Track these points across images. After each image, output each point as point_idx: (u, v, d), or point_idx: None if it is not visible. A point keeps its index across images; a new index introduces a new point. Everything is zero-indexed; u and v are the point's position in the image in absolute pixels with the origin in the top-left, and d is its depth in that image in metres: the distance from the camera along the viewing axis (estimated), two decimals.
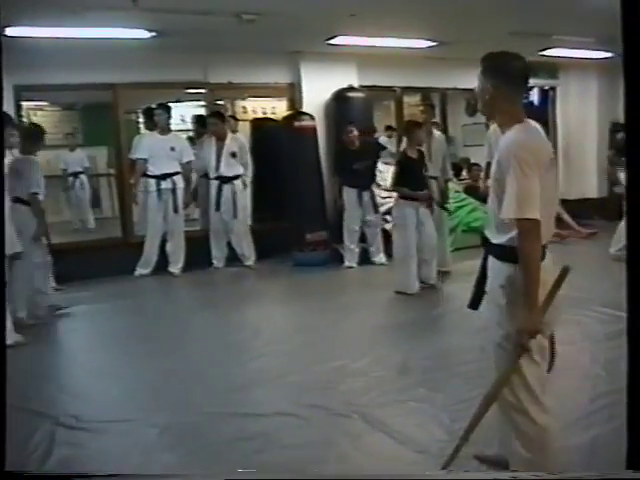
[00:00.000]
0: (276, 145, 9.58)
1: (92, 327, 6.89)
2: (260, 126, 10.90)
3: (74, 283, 7.90)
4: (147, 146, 8.70)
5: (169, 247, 8.79)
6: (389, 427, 4.03)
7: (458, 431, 3.59)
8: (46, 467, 3.63)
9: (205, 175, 9.22)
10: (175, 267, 8.80)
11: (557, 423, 3.18)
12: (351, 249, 9.08)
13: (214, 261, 9.06)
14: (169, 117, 8.87)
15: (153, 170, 8.66)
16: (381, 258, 9.10)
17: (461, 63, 10.21)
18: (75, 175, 11.73)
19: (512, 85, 2.96)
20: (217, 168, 8.91)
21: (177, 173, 8.77)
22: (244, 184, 9.09)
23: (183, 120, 11.60)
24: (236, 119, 10.90)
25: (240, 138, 9.35)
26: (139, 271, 8.64)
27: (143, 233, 8.72)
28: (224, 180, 8.90)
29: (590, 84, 12.45)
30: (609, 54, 10.46)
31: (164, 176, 8.65)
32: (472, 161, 11.76)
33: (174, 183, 8.74)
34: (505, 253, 2.93)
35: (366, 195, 8.99)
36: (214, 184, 8.96)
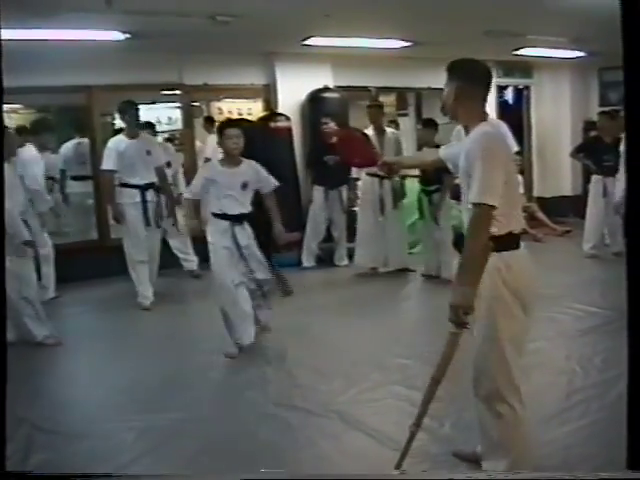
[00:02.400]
0: (251, 146, 9.53)
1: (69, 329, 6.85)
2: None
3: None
4: (117, 154, 7.24)
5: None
6: (367, 426, 4.07)
7: (437, 429, 3.64)
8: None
9: None
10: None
11: (532, 416, 3.24)
12: (311, 249, 9.11)
13: None
14: (137, 115, 7.52)
15: (131, 180, 7.30)
16: (344, 261, 9.17)
17: (436, 63, 10.14)
18: (51, 178, 11.64)
19: (475, 87, 3.16)
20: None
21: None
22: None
23: (159, 122, 11.56)
24: (212, 120, 10.87)
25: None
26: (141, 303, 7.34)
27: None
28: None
29: (564, 83, 12.55)
30: (582, 53, 10.58)
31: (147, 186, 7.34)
32: None
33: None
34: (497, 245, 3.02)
35: (334, 194, 9.02)
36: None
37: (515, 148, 3.27)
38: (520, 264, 3.08)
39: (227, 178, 5.57)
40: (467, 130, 3.15)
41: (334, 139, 8.64)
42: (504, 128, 3.25)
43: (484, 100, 3.19)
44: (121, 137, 7.39)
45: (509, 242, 3.05)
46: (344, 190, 9.03)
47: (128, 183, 7.28)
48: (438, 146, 7.87)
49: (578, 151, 9.64)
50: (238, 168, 5.64)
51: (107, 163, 7.26)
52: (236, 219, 5.61)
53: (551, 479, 3.00)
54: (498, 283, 3.00)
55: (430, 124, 8.23)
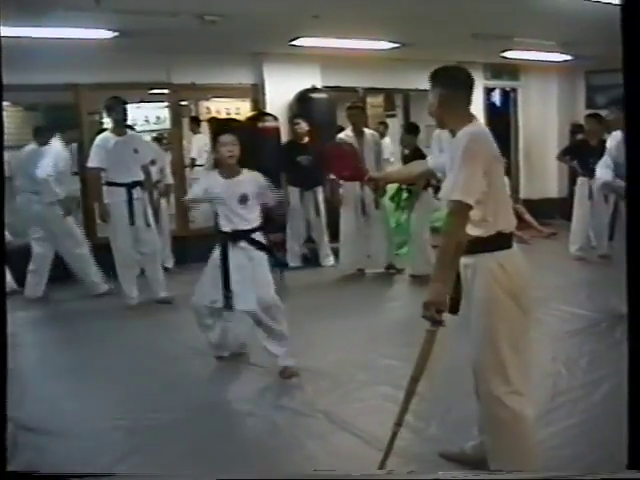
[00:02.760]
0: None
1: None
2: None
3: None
4: (105, 152, 7.17)
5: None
6: (354, 426, 4.07)
7: (423, 430, 3.65)
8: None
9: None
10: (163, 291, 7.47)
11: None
12: (294, 250, 9.06)
13: None
14: (125, 113, 7.43)
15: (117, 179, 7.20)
16: (329, 260, 9.16)
17: (424, 64, 10.10)
18: None
19: (458, 93, 3.18)
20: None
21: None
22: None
23: (147, 121, 11.54)
24: (198, 120, 10.87)
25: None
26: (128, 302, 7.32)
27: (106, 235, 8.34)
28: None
29: (551, 86, 12.63)
30: (569, 57, 10.63)
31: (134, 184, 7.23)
32: None
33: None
34: (478, 244, 3.03)
35: (309, 195, 9.00)
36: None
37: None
38: (514, 264, 3.08)
39: (224, 189, 5.07)
40: (453, 134, 3.15)
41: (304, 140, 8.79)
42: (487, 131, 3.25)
43: (468, 104, 3.21)
44: (108, 134, 7.30)
45: (499, 242, 3.06)
46: (319, 191, 8.98)
47: (115, 181, 7.19)
48: (419, 150, 8.02)
49: (565, 154, 9.70)
50: (236, 178, 5.14)
51: (94, 160, 7.19)
52: (232, 237, 5.05)
53: (551, 479, 3.02)
54: (492, 284, 3.01)
55: (412, 129, 8.30)
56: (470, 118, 3.16)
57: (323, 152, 5.18)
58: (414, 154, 7.79)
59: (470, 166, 2.93)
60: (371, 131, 8.86)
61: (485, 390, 3.10)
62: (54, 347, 6.26)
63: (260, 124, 9.33)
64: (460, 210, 2.92)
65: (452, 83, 3.19)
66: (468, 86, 3.23)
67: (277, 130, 9.45)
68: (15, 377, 4.43)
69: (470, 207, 2.90)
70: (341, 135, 8.37)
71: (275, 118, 9.43)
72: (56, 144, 7.69)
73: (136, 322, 6.79)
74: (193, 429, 4.19)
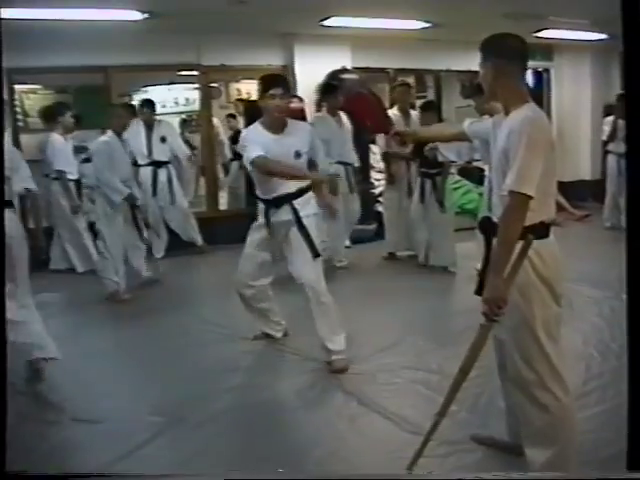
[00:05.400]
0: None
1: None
2: (252, 108, 10.84)
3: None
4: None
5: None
6: (384, 408, 4.07)
7: (452, 412, 3.62)
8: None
9: None
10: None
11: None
12: None
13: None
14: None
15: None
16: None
17: (455, 45, 10.23)
18: None
19: (512, 63, 3.02)
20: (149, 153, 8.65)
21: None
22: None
23: (177, 103, 11.55)
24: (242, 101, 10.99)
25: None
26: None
27: None
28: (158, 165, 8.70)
29: (584, 66, 12.43)
30: (603, 36, 10.45)
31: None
32: None
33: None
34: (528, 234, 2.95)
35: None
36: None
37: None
38: (550, 253, 3.02)
39: (277, 146, 4.65)
40: (506, 111, 3.04)
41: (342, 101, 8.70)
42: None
43: (523, 76, 3.09)
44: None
45: (540, 231, 2.97)
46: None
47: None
48: None
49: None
50: (287, 131, 4.76)
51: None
52: (284, 201, 4.79)
53: (553, 479, 3.00)
54: (529, 271, 2.95)
55: (429, 107, 8.11)
56: (526, 97, 3.03)
57: (347, 100, 4.86)
58: None
59: (531, 156, 2.83)
60: (415, 112, 8.73)
61: (529, 378, 3.03)
62: None
63: None
64: (521, 202, 2.83)
65: (504, 52, 3.03)
66: (523, 56, 3.08)
67: (302, 111, 9.42)
68: None
69: (531, 198, 2.82)
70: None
71: (301, 99, 9.40)
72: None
73: None
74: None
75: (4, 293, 2.71)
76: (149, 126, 8.68)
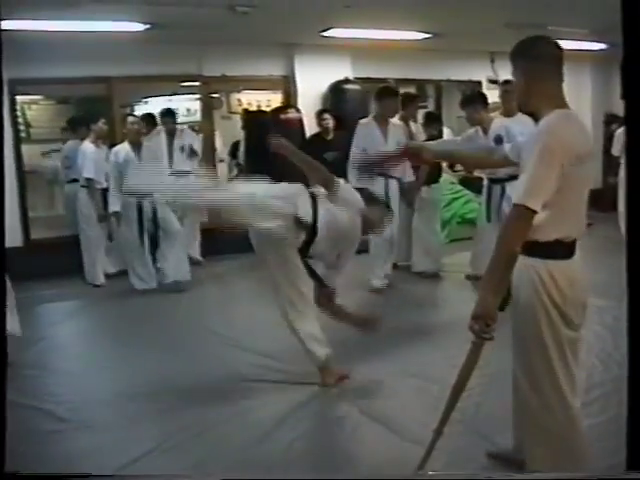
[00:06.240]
0: (263, 137, 9.48)
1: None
2: (252, 119, 10.84)
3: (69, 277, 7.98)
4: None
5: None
6: (386, 418, 4.06)
7: (454, 422, 3.60)
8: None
9: None
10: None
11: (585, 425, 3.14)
12: None
13: None
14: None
15: None
16: None
17: (456, 55, 10.27)
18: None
19: (544, 67, 2.87)
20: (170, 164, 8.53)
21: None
22: None
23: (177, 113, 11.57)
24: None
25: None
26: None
27: None
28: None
29: (584, 75, 12.44)
30: (603, 46, 10.47)
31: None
32: None
33: None
34: (532, 248, 2.83)
35: None
36: None
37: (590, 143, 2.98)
38: (566, 275, 2.85)
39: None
40: (536, 119, 2.91)
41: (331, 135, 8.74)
42: (581, 122, 2.91)
43: (559, 81, 2.89)
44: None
45: (555, 250, 2.82)
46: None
47: None
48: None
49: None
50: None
51: None
52: None
53: (553, 479, 2.98)
54: (541, 292, 2.82)
55: (432, 118, 8.08)
56: (561, 102, 2.86)
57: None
58: None
59: (544, 167, 2.66)
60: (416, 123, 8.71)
61: (535, 397, 2.95)
62: None
63: (283, 115, 9.36)
64: (523, 215, 2.67)
65: (535, 55, 2.88)
66: (555, 59, 2.90)
67: (300, 121, 9.45)
68: None
69: (535, 213, 2.65)
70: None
71: (298, 110, 9.43)
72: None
73: None
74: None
75: (4, 293, 2.71)
76: (171, 135, 8.70)
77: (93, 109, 9.26)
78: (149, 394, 4.61)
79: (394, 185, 7.25)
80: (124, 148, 7.43)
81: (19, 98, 9.05)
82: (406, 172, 7.32)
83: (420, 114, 8.93)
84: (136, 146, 7.34)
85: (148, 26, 7.50)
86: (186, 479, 3.51)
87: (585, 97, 12.50)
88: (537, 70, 2.86)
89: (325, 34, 8.70)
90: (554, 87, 2.88)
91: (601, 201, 9.56)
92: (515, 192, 2.75)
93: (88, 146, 8.00)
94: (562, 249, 2.86)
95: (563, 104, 2.87)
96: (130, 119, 7.82)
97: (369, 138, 7.09)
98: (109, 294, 7.68)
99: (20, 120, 9.33)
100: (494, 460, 3.50)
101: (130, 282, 7.68)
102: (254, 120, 10.28)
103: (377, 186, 6.66)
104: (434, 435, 3.09)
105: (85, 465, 3.62)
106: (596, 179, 12.09)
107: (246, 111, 11.12)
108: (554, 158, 2.68)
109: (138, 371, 5.06)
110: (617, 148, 9.69)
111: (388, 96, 7.31)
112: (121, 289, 7.74)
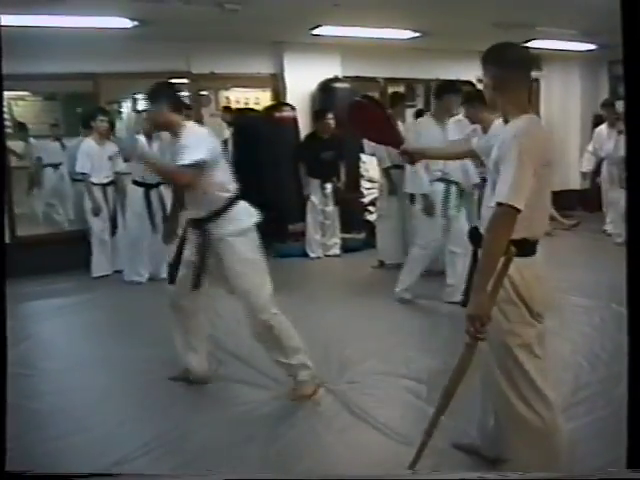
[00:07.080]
0: (256, 135, 9.47)
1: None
2: (241, 117, 10.81)
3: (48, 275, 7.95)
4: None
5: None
6: (374, 419, 4.05)
7: (443, 423, 3.60)
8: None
9: None
10: None
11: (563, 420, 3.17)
12: (316, 240, 9.05)
13: None
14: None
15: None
16: (336, 250, 9.18)
17: (445, 54, 10.28)
18: (55, 166, 11.56)
19: (513, 74, 2.95)
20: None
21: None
22: None
23: None
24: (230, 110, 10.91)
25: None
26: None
27: None
28: None
29: (573, 76, 12.50)
30: (592, 46, 10.51)
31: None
32: None
33: None
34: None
35: (328, 187, 8.96)
36: None
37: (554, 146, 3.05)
38: (533, 272, 2.94)
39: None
40: (505, 121, 2.98)
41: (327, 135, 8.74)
42: (544, 127, 3.04)
43: (525, 87, 2.99)
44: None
45: (523, 249, 2.88)
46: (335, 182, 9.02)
47: None
48: None
49: None
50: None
51: None
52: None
53: (552, 479, 2.98)
54: (509, 289, 2.88)
55: (421, 116, 8.09)
56: (525, 107, 2.95)
57: (349, 109, 4.46)
58: None
59: (522, 167, 2.73)
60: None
61: (505, 391, 2.98)
62: None
63: (277, 114, 9.35)
64: (508, 214, 2.73)
65: (506, 62, 2.94)
66: (525, 66, 3.00)
67: (294, 120, 9.43)
68: None
69: (519, 211, 2.72)
70: None
71: (292, 108, 9.41)
72: None
73: None
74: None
75: (4, 292, 2.68)
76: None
77: (80, 105, 9.22)
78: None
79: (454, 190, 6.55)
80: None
81: (5, 94, 8.98)
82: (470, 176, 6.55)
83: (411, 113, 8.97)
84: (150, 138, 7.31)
85: (136, 23, 7.46)
86: (186, 479, 3.49)
87: (574, 97, 12.57)
88: (505, 76, 2.94)
89: (314, 32, 8.69)
90: (522, 93, 2.98)
91: (588, 201, 9.59)
92: (497, 192, 2.80)
93: (88, 143, 8.07)
94: (530, 247, 2.95)
95: (527, 109, 2.96)
96: (99, 117, 8.08)
97: (428, 135, 6.32)
98: (102, 289, 7.71)
99: (7, 116, 9.26)
100: (459, 451, 3.54)
101: (125, 276, 7.90)
102: (242, 118, 10.28)
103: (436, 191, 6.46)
104: (424, 436, 3.10)
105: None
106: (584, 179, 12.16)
107: (231, 109, 11.11)
108: (530, 160, 2.77)
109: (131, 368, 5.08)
110: (595, 147, 10.03)
111: (449, 92, 6.53)
112: (113, 284, 7.86)
